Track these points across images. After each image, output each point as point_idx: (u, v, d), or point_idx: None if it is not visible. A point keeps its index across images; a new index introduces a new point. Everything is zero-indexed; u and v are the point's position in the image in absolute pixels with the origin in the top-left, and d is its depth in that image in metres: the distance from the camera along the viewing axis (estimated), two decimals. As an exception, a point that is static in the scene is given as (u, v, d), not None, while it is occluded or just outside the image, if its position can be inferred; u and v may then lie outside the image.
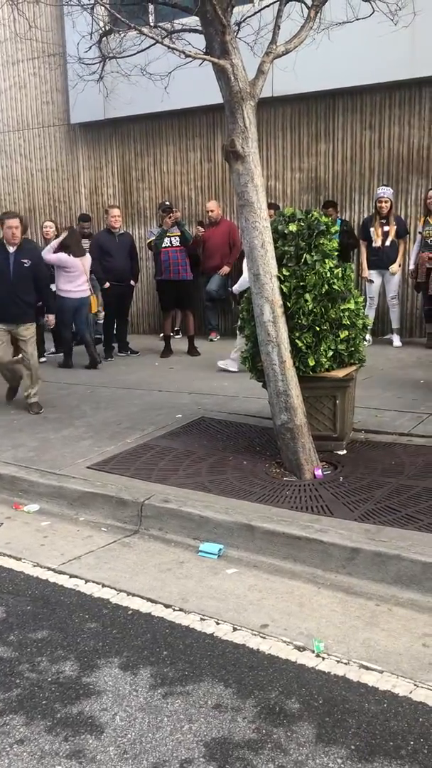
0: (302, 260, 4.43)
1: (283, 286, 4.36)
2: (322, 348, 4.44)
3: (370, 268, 8.29)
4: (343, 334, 4.51)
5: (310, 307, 4.38)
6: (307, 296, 4.38)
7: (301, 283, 4.40)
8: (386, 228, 8.12)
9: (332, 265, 4.45)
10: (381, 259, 8.20)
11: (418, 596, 3.16)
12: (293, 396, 4.27)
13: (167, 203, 9.03)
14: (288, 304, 4.37)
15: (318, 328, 4.42)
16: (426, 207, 8.10)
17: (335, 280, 4.45)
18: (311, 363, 4.44)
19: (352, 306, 4.55)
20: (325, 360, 4.47)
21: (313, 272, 4.39)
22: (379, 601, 3.17)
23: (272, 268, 4.24)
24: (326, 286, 4.41)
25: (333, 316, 4.45)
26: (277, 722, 2.40)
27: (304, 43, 4.37)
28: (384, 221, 8.12)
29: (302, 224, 4.47)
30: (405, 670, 2.66)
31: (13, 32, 9.21)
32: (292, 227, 4.46)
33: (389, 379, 6.56)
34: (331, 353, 4.48)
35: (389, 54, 7.76)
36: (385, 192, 8.06)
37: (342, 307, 4.50)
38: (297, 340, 4.39)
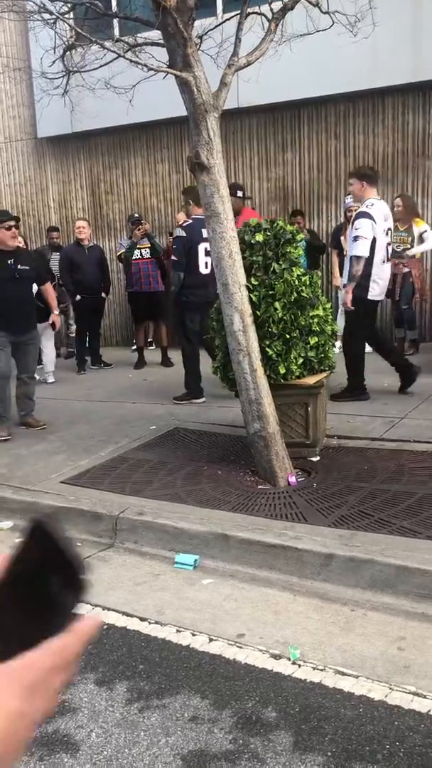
0: (270, 269, 4.47)
1: (252, 296, 4.39)
2: (292, 355, 4.48)
3: (341, 275, 8.36)
4: (313, 341, 4.55)
5: (280, 315, 4.42)
6: (277, 304, 4.42)
7: (270, 292, 4.44)
8: None
9: (300, 273, 4.51)
10: None
11: (392, 600, 3.18)
12: (265, 404, 4.29)
13: (136, 215, 9.04)
14: (258, 312, 4.40)
15: (288, 336, 4.45)
16: (393, 214, 8.21)
17: (303, 288, 4.50)
18: (282, 371, 4.47)
19: (320, 312, 4.59)
20: (295, 367, 4.50)
21: (282, 281, 4.44)
22: (354, 606, 3.19)
23: (240, 278, 4.27)
24: (295, 294, 4.46)
25: (303, 323, 4.49)
26: (254, 732, 2.39)
27: (266, 54, 4.42)
28: None
29: (268, 234, 4.52)
30: (380, 674, 2.68)
31: (-23, 47, 9.18)
32: (259, 237, 4.50)
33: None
34: (301, 360, 4.52)
35: (351, 65, 7.88)
36: (351, 201, 8.16)
37: (311, 314, 4.54)
38: (267, 348, 4.42)
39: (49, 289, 6.29)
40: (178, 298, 6.58)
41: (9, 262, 5.74)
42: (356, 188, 5.90)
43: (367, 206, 5.74)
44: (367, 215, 5.67)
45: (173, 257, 6.68)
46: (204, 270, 6.42)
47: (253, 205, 9.57)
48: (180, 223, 7.05)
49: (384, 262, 5.84)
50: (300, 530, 3.66)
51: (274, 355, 4.44)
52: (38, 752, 2.36)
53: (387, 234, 5.85)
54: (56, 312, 6.45)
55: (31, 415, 6.13)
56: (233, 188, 6.90)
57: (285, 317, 4.43)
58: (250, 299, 4.35)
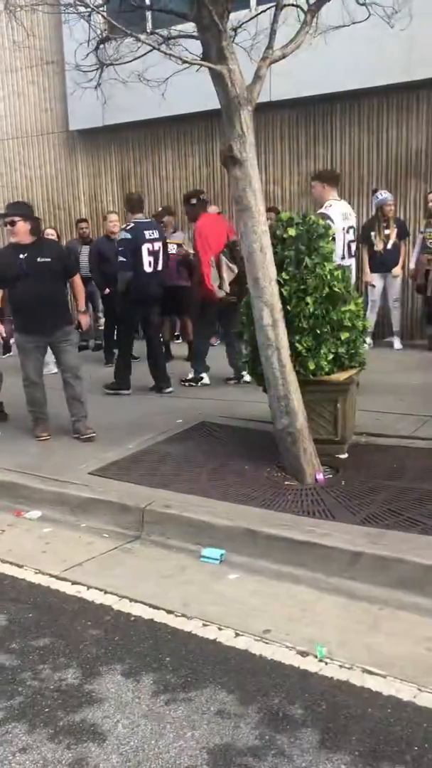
0: (303, 264, 4.43)
1: (283, 290, 4.36)
2: (322, 351, 4.44)
3: (372, 271, 8.29)
4: (344, 336, 4.51)
5: (311, 310, 4.39)
6: (309, 299, 4.39)
7: (302, 287, 4.41)
8: (387, 231, 8.13)
9: (332, 267, 4.47)
10: (383, 263, 8.21)
11: (421, 600, 3.14)
12: (294, 400, 4.26)
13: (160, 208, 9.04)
14: (288, 307, 4.37)
15: (318, 331, 4.42)
16: (426, 209, 8.11)
17: (336, 282, 4.46)
18: (311, 367, 4.43)
19: (352, 307, 4.55)
20: (325, 363, 4.46)
21: (314, 275, 4.40)
22: (381, 605, 3.16)
23: (271, 272, 4.24)
24: (327, 289, 4.42)
25: (334, 317, 4.46)
26: (281, 728, 2.38)
27: (301, 47, 4.37)
28: (385, 224, 8.13)
29: (301, 228, 4.48)
30: (408, 674, 2.65)
31: (11, 41, 9.25)
32: (291, 231, 4.47)
33: (390, 382, 6.55)
34: (331, 356, 4.48)
35: (386, 57, 7.78)
36: (390, 197, 8.07)
37: (343, 309, 4.50)
38: (297, 344, 4.39)
39: (77, 282, 5.70)
40: (123, 295, 6.99)
41: (21, 256, 5.29)
42: (317, 190, 6.17)
43: (326, 207, 5.98)
44: (327, 216, 5.84)
45: (120, 258, 6.89)
46: (148, 269, 6.88)
47: (283, 200, 9.53)
48: (123, 226, 7.24)
49: (344, 258, 6.00)
50: (328, 527, 3.64)
51: (303, 351, 4.41)
52: (65, 741, 2.38)
53: (348, 232, 6.09)
54: (82, 309, 5.82)
55: (82, 421, 5.53)
56: (188, 197, 7.33)
57: (316, 312, 4.40)
58: (281, 294, 4.32)
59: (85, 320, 5.85)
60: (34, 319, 5.36)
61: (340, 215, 5.92)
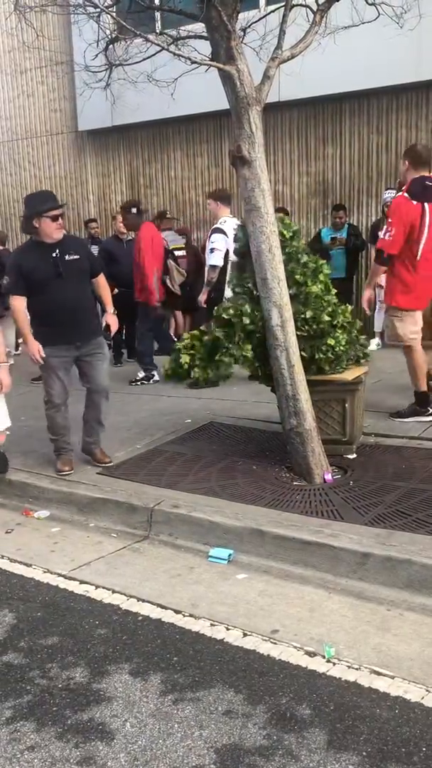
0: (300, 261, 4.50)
1: (296, 276, 4.41)
2: (338, 321, 4.50)
3: None
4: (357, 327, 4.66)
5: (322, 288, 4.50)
6: (321, 276, 4.50)
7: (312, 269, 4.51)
8: None
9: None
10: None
11: (430, 601, 3.13)
12: (302, 400, 4.26)
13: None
14: (309, 282, 4.43)
15: (332, 309, 4.51)
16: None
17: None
18: (331, 342, 4.41)
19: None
20: (341, 336, 4.45)
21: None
22: (390, 606, 3.15)
23: (280, 273, 4.24)
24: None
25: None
26: (288, 728, 2.38)
27: (310, 47, 4.36)
28: None
29: (289, 231, 4.54)
30: (417, 675, 2.64)
31: (20, 41, 9.28)
32: (285, 233, 4.50)
33: (399, 382, 6.52)
34: (346, 339, 4.52)
35: (395, 57, 7.76)
36: (389, 197, 8.04)
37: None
38: (324, 315, 4.43)
39: (102, 281, 4.89)
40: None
41: (53, 255, 4.52)
42: (212, 207, 6.94)
43: (220, 223, 6.73)
44: (221, 231, 6.63)
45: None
46: None
47: (292, 200, 9.52)
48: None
49: None
50: (336, 528, 3.63)
51: (326, 327, 4.41)
52: (74, 739, 2.39)
53: None
54: (111, 310, 4.92)
55: (99, 446, 4.90)
56: (129, 206, 7.65)
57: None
58: (295, 279, 4.34)
59: (113, 321, 4.90)
60: (63, 329, 4.54)
61: (232, 230, 6.37)
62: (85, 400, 4.83)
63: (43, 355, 4.55)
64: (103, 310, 5.23)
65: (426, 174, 5.08)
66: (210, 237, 6.87)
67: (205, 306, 7.01)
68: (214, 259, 6.67)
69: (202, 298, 6.99)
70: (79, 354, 4.68)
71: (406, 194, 5.06)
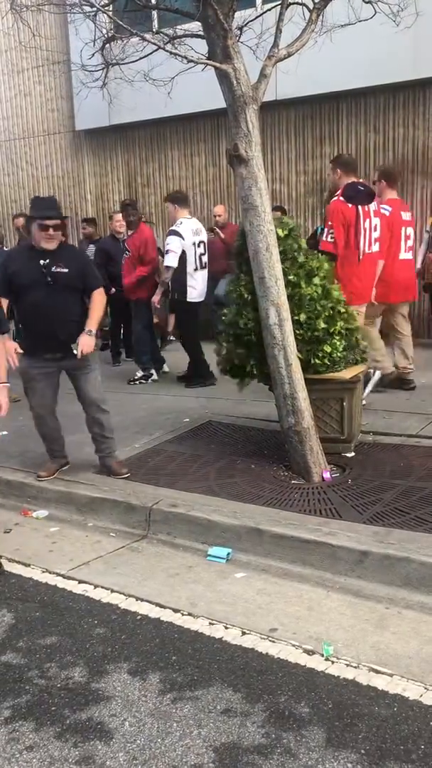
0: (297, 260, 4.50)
1: (291, 276, 4.40)
2: (336, 327, 4.48)
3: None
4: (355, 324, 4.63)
5: (320, 291, 4.47)
6: (316, 280, 4.47)
7: (307, 271, 4.49)
8: None
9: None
10: None
11: (428, 599, 3.14)
12: (300, 399, 4.26)
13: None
14: (303, 284, 4.42)
15: (328, 313, 4.48)
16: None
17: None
18: (327, 350, 4.42)
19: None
20: (338, 343, 4.46)
21: (313, 256, 4.57)
22: (388, 604, 3.15)
23: (277, 271, 4.24)
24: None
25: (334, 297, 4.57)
26: (287, 727, 2.39)
27: (306, 46, 4.36)
28: None
29: (285, 229, 4.53)
30: (415, 673, 2.65)
31: (17, 41, 9.28)
32: (280, 232, 4.50)
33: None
34: (344, 332, 4.52)
35: (392, 55, 7.75)
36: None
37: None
38: (315, 330, 4.42)
39: (97, 298, 4.56)
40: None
41: (41, 262, 4.36)
42: (170, 210, 7.08)
43: (176, 225, 6.86)
44: (176, 233, 6.79)
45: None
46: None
47: (290, 198, 9.52)
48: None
49: (196, 270, 6.90)
50: (334, 526, 3.64)
51: (321, 334, 4.41)
52: (72, 739, 2.39)
53: (199, 246, 6.93)
54: (88, 328, 4.45)
55: (113, 457, 4.72)
56: (132, 203, 7.80)
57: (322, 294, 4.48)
58: (289, 281, 4.34)
59: (84, 341, 4.39)
60: (44, 338, 4.41)
61: (190, 231, 6.81)
62: (86, 417, 4.71)
63: (16, 363, 4.39)
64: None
65: (356, 179, 5.55)
66: (165, 239, 7.00)
67: (158, 306, 7.26)
68: (169, 261, 6.83)
69: (156, 299, 7.15)
70: (65, 366, 4.53)
71: (341, 198, 5.40)
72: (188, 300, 6.98)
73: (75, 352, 4.39)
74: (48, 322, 4.37)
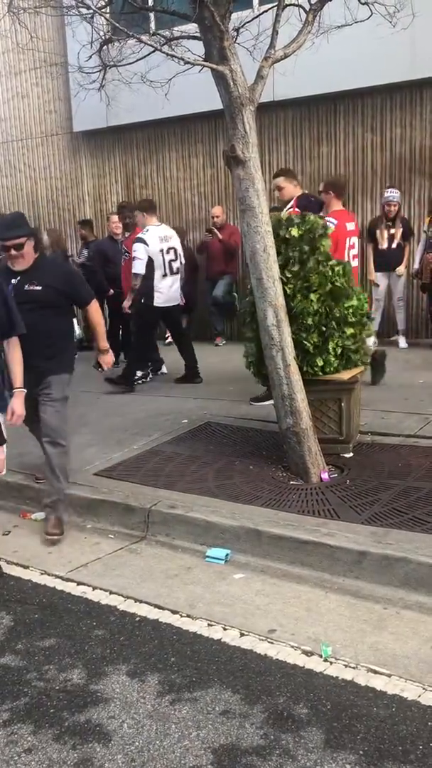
0: (307, 265, 4.43)
1: (286, 288, 4.36)
2: (330, 347, 4.43)
3: (376, 270, 8.27)
4: (350, 331, 4.50)
5: (316, 307, 4.39)
6: (312, 296, 4.39)
7: (306, 284, 4.41)
8: (392, 231, 8.12)
9: (333, 263, 4.48)
10: (387, 262, 8.19)
11: (426, 599, 3.14)
12: (298, 399, 4.26)
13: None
14: (292, 304, 4.37)
15: (324, 328, 4.42)
16: (430, 207, 8.10)
17: (338, 278, 4.46)
18: (320, 363, 4.43)
19: (355, 302, 4.55)
20: (333, 359, 4.45)
21: (317, 273, 4.40)
22: (386, 605, 3.16)
23: (275, 272, 4.24)
24: (330, 285, 4.43)
25: (337, 314, 4.46)
26: (285, 728, 2.39)
27: (303, 47, 4.37)
28: (390, 224, 8.12)
29: (302, 228, 4.48)
30: (413, 673, 2.65)
31: (14, 43, 9.27)
32: (294, 232, 4.46)
33: (395, 381, 6.53)
34: (340, 350, 4.47)
35: (389, 56, 7.76)
36: (394, 196, 8.04)
37: (346, 305, 4.50)
38: (304, 341, 4.39)
39: (91, 312, 4.36)
40: None
41: (13, 281, 4.09)
42: (139, 219, 7.27)
43: (143, 233, 7.02)
44: (141, 240, 6.94)
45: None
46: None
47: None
48: None
49: (165, 275, 7.01)
50: (333, 527, 3.64)
51: (311, 348, 4.40)
52: (71, 741, 2.39)
53: (168, 252, 7.05)
54: (103, 347, 4.45)
55: (55, 510, 4.16)
56: (125, 209, 8.02)
57: (320, 310, 4.40)
58: (285, 292, 4.33)
59: (104, 359, 4.49)
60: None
61: (157, 238, 6.95)
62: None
63: None
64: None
65: (307, 192, 6.01)
66: (133, 246, 7.12)
67: (128, 312, 7.27)
68: (136, 268, 6.96)
69: (126, 304, 7.23)
70: (35, 389, 4.08)
71: (296, 209, 5.69)
72: (154, 304, 7.05)
73: (99, 370, 4.70)
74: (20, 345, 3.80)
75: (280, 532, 3.64)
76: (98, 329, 4.45)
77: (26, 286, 4.09)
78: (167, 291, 7.10)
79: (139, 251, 6.93)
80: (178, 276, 7.20)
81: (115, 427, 5.81)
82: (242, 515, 3.86)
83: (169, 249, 7.06)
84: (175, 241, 7.19)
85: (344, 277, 4.51)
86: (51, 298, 4.13)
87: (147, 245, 6.88)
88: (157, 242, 6.94)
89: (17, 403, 3.67)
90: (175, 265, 7.12)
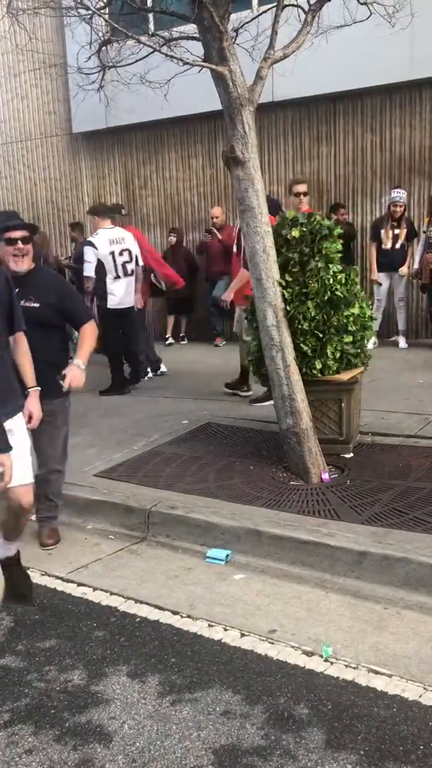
0: (308, 268, 4.39)
1: (285, 292, 4.35)
2: (328, 351, 4.42)
3: (379, 270, 8.27)
4: (348, 339, 4.48)
5: (312, 314, 4.36)
6: (309, 303, 4.35)
7: (304, 290, 4.38)
8: (396, 231, 8.12)
9: (336, 270, 4.43)
10: (390, 262, 8.20)
11: (427, 599, 3.14)
12: (298, 400, 4.26)
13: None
14: (288, 308, 4.35)
15: (321, 334, 4.40)
16: (430, 207, 8.10)
17: (338, 286, 4.40)
18: (318, 366, 4.41)
19: (356, 311, 4.51)
20: (332, 362, 4.44)
21: (316, 279, 4.36)
22: (387, 605, 3.16)
23: (274, 273, 4.24)
24: (329, 293, 4.38)
25: (335, 323, 4.42)
26: (286, 728, 2.38)
27: (302, 47, 4.37)
28: (395, 224, 8.12)
29: (304, 229, 4.46)
30: (414, 673, 2.65)
31: (13, 44, 9.27)
32: (295, 232, 4.44)
33: (396, 381, 6.54)
34: (338, 354, 4.46)
35: (388, 56, 7.76)
36: (401, 197, 8.03)
37: (346, 313, 4.46)
38: (302, 345, 4.38)
39: (85, 331, 3.98)
40: None
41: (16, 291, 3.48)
42: (93, 222, 7.39)
43: (93, 236, 7.17)
44: (90, 243, 7.11)
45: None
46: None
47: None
48: None
49: (117, 278, 7.05)
50: (333, 527, 3.64)
51: (309, 351, 4.40)
52: (71, 742, 2.39)
53: (121, 254, 7.06)
54: (77, 362, 3.87)
55: (49, 524, 4.10)
56: (118, 209, 8.03)
57: (317, 317, 4.37)
58: (283, 296, 4.31)
59: (73, 375, 3.80)
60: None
61: (107, 241, 7.01)
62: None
63: None
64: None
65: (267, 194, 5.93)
66: (82, 249, 7.25)
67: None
68: (85, 271, 7.08)
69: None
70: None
71: None
72: (108, 306, 7.07)
73: (61, 383, 3.79)
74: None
75: (280, 532, 3.64)
76: (86, 347, 3.97)
77: (24, 302, 3.66)
78: (121, 293, 7.10)
79: (88, 255, 7.04)
80: (133, 278, 7.18)
81: (115, 427, 5.81)
82: (242, 516, 3.86)
83: (122, 251, 7.07)
84: (130, 243, 7.16)
85: (345, 285, 4.45)
86: (47, 315, 3.84)
87: (96, 248, 6.97)
88: (106, 245, 6.98)
89: (34, 404, 3.39)
90: (130, 267, 7.11)
